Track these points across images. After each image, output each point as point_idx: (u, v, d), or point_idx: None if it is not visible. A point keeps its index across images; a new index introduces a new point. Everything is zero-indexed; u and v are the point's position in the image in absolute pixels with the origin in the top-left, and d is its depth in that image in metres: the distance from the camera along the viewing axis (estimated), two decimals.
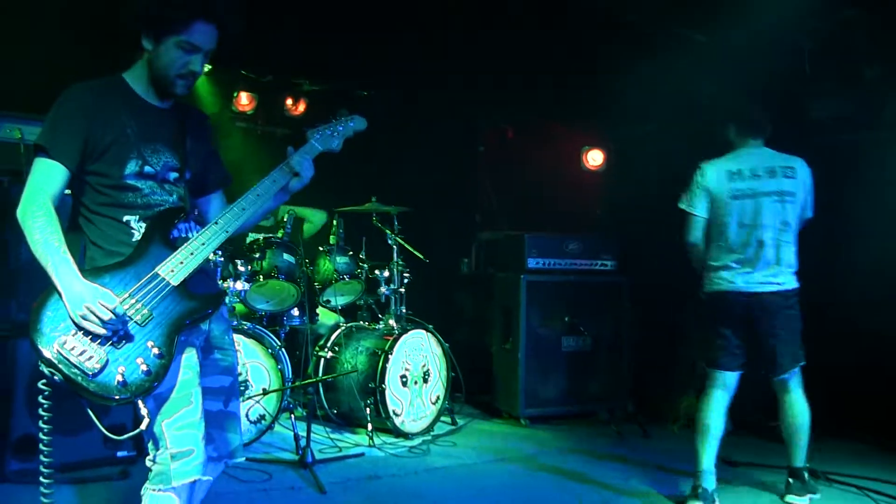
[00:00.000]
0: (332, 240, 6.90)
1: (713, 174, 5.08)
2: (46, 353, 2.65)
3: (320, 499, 4.87)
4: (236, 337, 5.72)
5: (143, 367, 2.74)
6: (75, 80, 3.05)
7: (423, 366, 6.55)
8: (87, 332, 2.69)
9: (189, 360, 2.97)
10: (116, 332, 2.74)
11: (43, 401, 2.84)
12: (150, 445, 2.92)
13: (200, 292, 2.99)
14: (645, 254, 7.53)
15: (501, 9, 6.84)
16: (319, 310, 7.12)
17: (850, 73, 6.62)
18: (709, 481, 4.90)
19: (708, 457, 4.93)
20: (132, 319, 2.78)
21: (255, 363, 5.82)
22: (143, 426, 2.81)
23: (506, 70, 7.73)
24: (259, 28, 6.59)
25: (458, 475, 5.53)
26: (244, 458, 3.22)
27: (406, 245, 7.03)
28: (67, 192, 3.01)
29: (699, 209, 5.10)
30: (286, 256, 6.34)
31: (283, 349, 6.20)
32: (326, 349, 6.64)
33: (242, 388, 5.68)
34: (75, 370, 2.65)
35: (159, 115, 3.15)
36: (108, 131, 2.97)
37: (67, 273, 2.73)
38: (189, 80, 3.07)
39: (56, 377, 2.66)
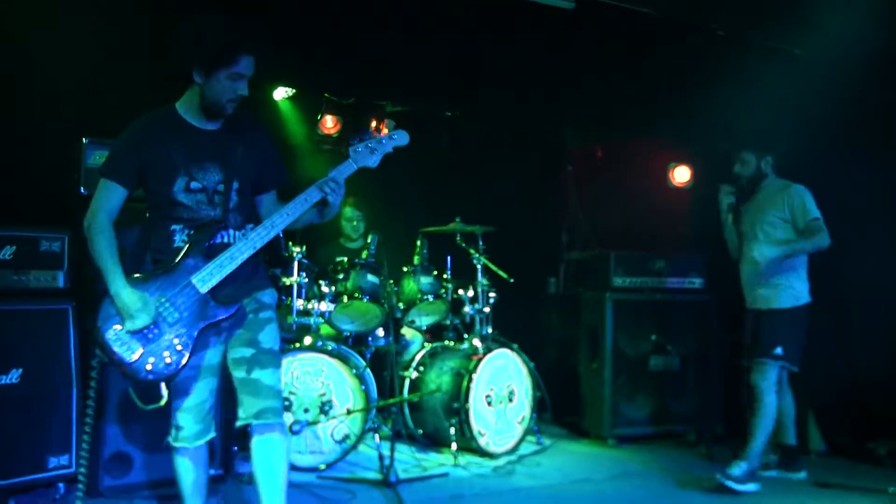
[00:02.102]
0: (416, 260, 6.91)
1: None
2: (99, 340, 3.46)
3: None
4: (320, 357, 5.82)
5: (168, 360, 3.48)
6: (159, 106, 3.69)
7: (508, 385, 6.53)
8: (130, 329, 3.43)
9: (195, 359, 3.66)
10: (152, 331, 3.46)
11: (94, 377, 3.88)
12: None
13: (225, 300, 3.60)
14: (733, 272, 7.36)
15: (589, 27, 6.82)
16: (404, 330, 7.15)
17: None
18: None
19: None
20: (165, 320, 3.49)
21: (340, 383, 5.87)
22: (162, 403, 3.63)
23: (594, 87, 7.69)
24: (342, 50, 6.71)
25: (542, 496, 5.48)
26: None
27: (490, 265, 7.03)
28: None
29: None
30: (370, 277, 6.38)
31: (367, 370, 6.24)
32: (411, 369, 6.67)
33: (326, 409, 5.74)
34: (117, 357, 3.44)
35: (207, 137, 3.70)
36: (157, 156, 3.59)
37: (117, 282, 3.47)
38: (237, 102, 3.63)
39: (104, 359, 3.50)
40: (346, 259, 6.54)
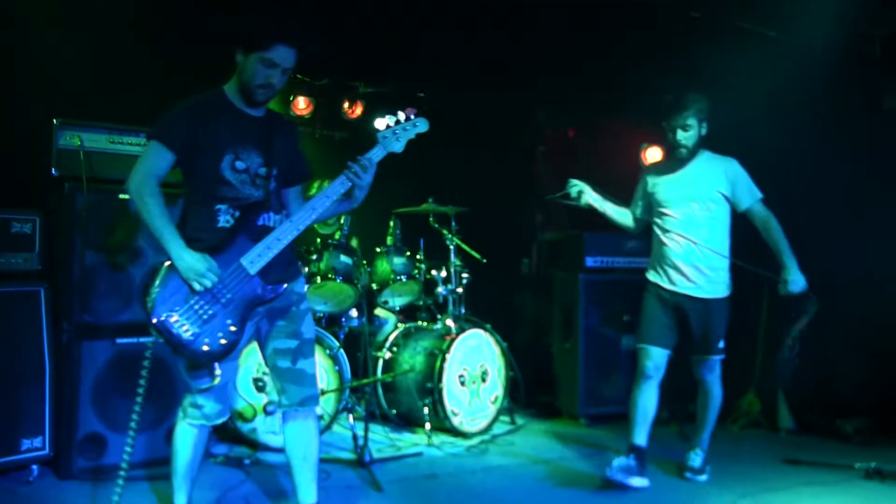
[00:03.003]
0: (389, 240, 6.92)
1: None
2: (157, 323, 3.50)
3: (377, 497, 4.90)
4: None
5: (223, 341, 3.60)
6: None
7: (482, 365, 6.56)
8: (187, 311, 3.53)
9: None
10: (206, 312, 3.56)
11: (146, 364, 3.80)
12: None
13: (270, 281, 3.71)
14: None
15: (563, 7, 6.81)
16: (378, 310, 7.16)
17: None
18: None
19: None
20: (219, 301, 3.59)
21: None
22: (215, 382, 3.70)
23: (566, 69, 7.68)
24: (315, 30, 6.66)
25: (515, 474, 5.53)
26: (318, 407, 4.13)
27: (463, 245, 7.05)
28: None
29: None
30: (343, 258, 6.36)
31: (341, 350, 6.25)
32: (385, 350, 6.69)
33: None
34: (175, 338, 3.51)
35: (252, 122, 3.84)
36: (207, 133, 3.68)
37: (178, 245, 3.53)
38: (267, 91, 3.75)
39: (160, 340, 3.53)
40: (318, 240, 6.54)
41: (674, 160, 5.43)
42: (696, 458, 5.42)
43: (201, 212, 3.72)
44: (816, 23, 6.29)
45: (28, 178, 5.27)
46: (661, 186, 5.48)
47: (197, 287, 3.53)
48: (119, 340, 5.04)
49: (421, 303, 7.13)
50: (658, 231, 5.49)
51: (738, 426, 6.78)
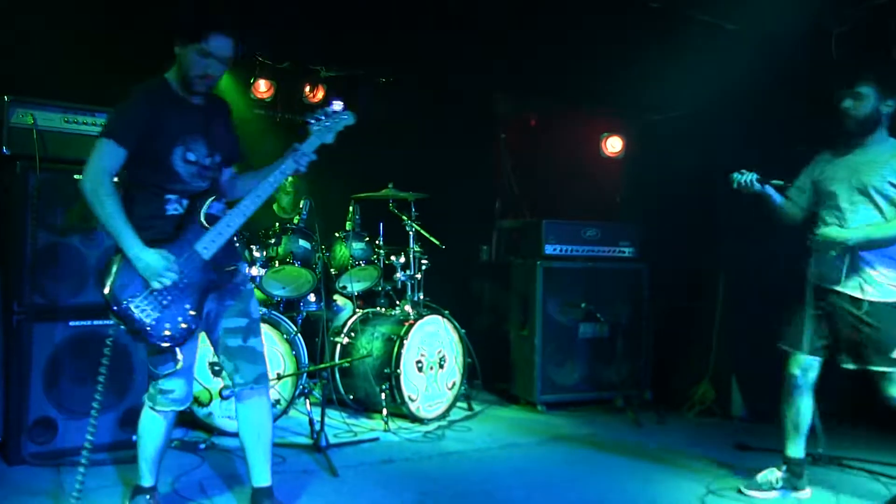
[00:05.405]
0: (348, 226, 6.91)
1: None
2: (118, 311, 3.55)
3: (333, 482, 4.88)
4: None
5: (183, 324, 3.68)
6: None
7: (439, 352, 6.56)
8: (147, 297, 3.58)
9: None
10: (166, 297, 3.62)
11: (106, 351, 3.85)
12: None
13: (222, 264, 3.82)
14: (663, 241, 7.48)
15: None
16: (336, 295, 7.14)
17: (880, 58, 6.52)
18: None
19: None
20: (177, 286, 3.66)
21: (271, 349, 5.83)
22: (178, 367, 3.77)
23: (528, 56, 7.68)
24: (275, 13, 6.61)
25: (471, 459, 5.53)
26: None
27: (423, 231, 7.04)
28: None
29: None
30: (302, 242, 6.36)
31: (298, 335, 6.22)
32: (342, 335, 6.67)
33: None
34: (137, 325, 3.57)
35: (196, 111, 3.85)
36: (159, 123, 3.68)
37: (136, 245, 3.55)
38: (206, 81, 3.77)
39: (122, 327, 3.60)
40: (277, 224, 6.50)
41: (846, 141, 4.61)
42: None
43: (150, 200, 3.76)
44: (775, 16, 6.32)
45: None
46: (827, 172, 4.66)
47: (156, 285, 3.59)
48: (73, 323, 4.98)
49: (380, 288, 7.11)
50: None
51: (693, 413, 6.85)
